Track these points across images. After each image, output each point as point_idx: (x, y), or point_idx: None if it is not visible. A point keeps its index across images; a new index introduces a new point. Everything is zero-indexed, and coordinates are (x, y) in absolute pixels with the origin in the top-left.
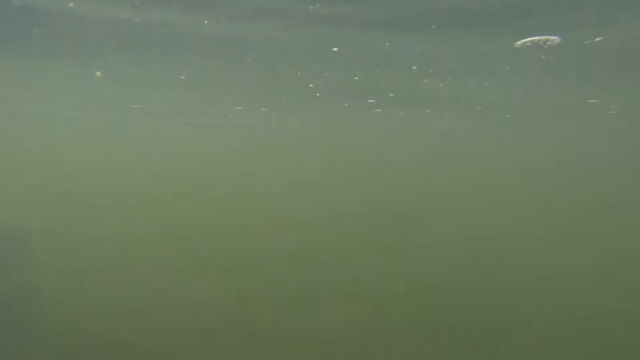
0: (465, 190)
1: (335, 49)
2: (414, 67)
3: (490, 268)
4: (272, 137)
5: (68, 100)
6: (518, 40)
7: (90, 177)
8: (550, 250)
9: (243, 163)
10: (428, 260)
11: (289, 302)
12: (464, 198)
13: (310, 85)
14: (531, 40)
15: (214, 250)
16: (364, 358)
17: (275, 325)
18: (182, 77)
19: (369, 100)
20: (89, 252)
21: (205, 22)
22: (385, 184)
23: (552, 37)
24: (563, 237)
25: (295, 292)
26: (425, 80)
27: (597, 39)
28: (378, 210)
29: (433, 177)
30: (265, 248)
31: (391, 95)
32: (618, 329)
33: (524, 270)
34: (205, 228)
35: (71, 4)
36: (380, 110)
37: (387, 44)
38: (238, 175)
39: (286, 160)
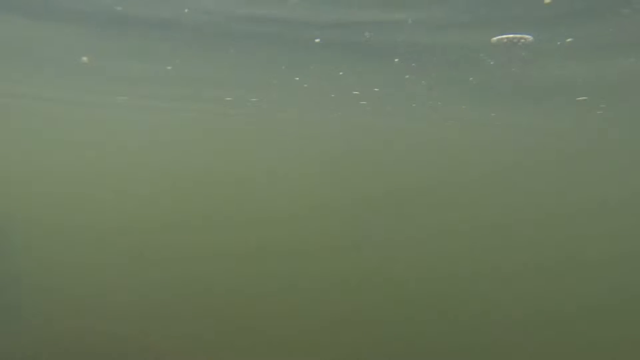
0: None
1: (317, 40)
2: (396, 60)
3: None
4: (266, 128)
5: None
6: (494, 37)
7: (78, 168)
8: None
9: (237, 152)
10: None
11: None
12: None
13: (297, 78)
14: (506, 37)
15: (209, 244)
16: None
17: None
18: (169, 67)
19: (353, 92)
20: (81, 244)
21: (186, 10)
22: (377, 178)
23: (525, 36)
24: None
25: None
26: (407, 76)
27: (568, 40)
28: (370, 204)
29: (423, 173)
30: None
31: (376, 89)
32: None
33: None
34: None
35: None
36: (365, 102)
37: (367, 34)
38: (230, 165)
39: (279, 151)
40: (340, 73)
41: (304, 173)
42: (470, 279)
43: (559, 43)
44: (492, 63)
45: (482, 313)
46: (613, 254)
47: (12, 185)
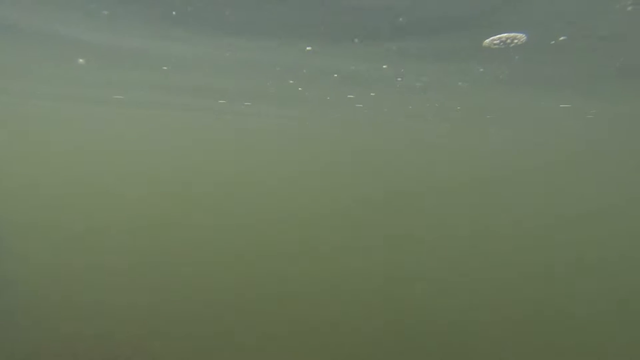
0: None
1: (308, 48)
2: (385, 66)
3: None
4: (262, 131)
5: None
6: (486, 39)
7: (71, 170)
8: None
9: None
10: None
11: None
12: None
13: (291, 81)
14: (499, 38)
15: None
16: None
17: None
18: (165, 67)
19: (348, 96)
20: (76, 245)
21: (174, 13)
22: (370, 179)
23: (518, 35)
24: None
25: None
26: (400, 79)
27: (561, 38)
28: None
29: (423, 174)
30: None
31: (372, 94)
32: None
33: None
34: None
35: None
36: (361, 105)
37: (355, 40)
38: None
39: (274, 153)
40: (335, 75)
41: (300, 174)
42: (474, 280)
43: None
44: (481, 70)
45: (485, 314)
46: (615, 255)
47: (8, 186)
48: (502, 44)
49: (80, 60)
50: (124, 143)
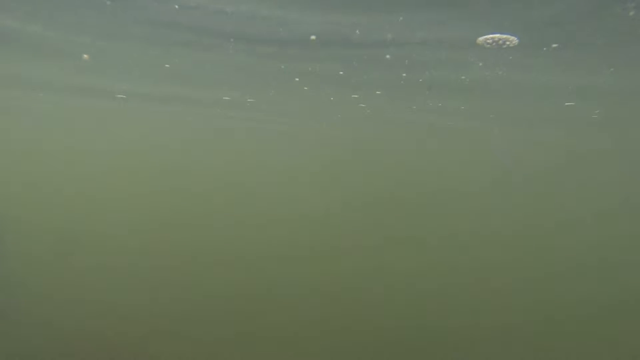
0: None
1: (313, 37)
2: (388, 57)
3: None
4: (260, 131)
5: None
6: (480, 37)
7: (73, 170)
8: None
9: (233, 155)
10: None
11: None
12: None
13: (297, 79)
14: (492, 38)
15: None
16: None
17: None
18: (167, 65)
19: (352, 96)
20: (75, 245)
21: (176, 6)
22: (372, 181)
23: (510, 37)
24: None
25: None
26: (404, 74)
27: (554, 45)
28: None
29: (416, 176)
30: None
31: (378, 93)
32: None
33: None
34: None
35: None
36: (364, 105)
37: (357, 31)
38: (227, 168)
39: (276, 153)
40: (341, 72)
41: (302, 175)
42: (475, 280)
43: (544, 49)
44: (480, 65)
45: (486, 315)
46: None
47: (6, 185)
48: (494, 44)
49: (85, 56)
50: (125, 142)
